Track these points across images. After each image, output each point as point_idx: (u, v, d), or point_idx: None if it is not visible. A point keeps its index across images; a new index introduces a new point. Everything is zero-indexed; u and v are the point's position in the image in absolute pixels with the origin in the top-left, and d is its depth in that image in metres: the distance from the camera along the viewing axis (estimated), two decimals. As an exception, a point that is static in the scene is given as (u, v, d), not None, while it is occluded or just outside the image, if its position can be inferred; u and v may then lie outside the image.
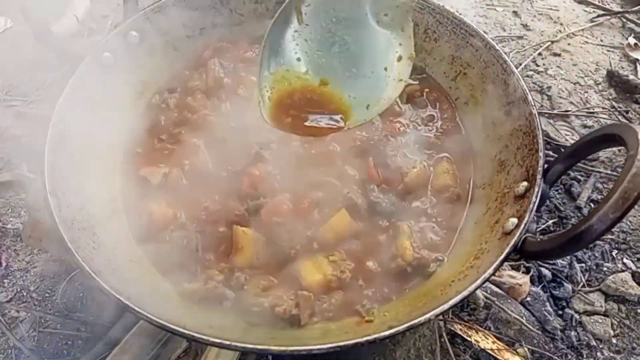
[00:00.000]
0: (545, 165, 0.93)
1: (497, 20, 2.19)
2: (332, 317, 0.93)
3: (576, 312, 1.32)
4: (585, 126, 1.79)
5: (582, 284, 1.37)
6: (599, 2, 2.29)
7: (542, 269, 1.38)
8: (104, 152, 1.10)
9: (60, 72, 1.76)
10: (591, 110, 1.84)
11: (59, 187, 0.92)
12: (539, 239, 0.85)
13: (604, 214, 0.68)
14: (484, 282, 0.81)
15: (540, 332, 1.27)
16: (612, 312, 1.33)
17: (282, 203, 1.02)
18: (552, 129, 1.76)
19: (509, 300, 1.30)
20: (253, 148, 1.10)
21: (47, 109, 1.00)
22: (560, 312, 1.32)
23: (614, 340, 1.29)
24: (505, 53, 1.15)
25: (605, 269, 1.41)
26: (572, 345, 1.26)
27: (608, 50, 2.07)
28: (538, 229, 1.47)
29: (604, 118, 1.81)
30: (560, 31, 2.14)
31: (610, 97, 1.88)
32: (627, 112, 1.83)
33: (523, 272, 1.37)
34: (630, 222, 1.52)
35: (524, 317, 1.27)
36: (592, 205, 1.53)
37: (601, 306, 1.33)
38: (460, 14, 1.23)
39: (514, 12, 2.24)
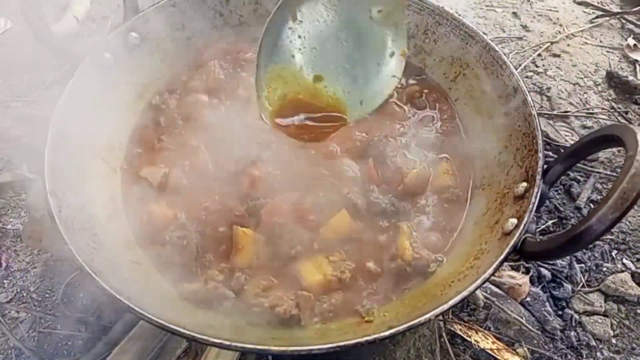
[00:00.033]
0: (545, 166, 0.93)
1: (496, 21, 2.19)
2: (332, 317, 0.93)
3: (576, 312, 1.32)
4: (584, 127, 1.79)
5: (581, 284, 1.38)
6: (598, 3, 2.30)
7: (542, 269, 1.38)
8: (104, 153, 1.10)
9: (60, 72, 1.76)
10: (591, 111, 1.84)
11: (59, 188, 0.92)
12: (538, 240, 0.85)
13: (603, 214, 0.68)
14: (483, 283, 0.81)
15: (540, 332, 1.27)
16: (611, 312, 1.34)
17: (282, 203, 1.02)
18: (552, 129, 1.77)
19: (509, 301, 1.30)
20: (253, 148, 1.10)
21: (47, 109, 1.00)
22: (560, 313, 1.32)
23: (613, 341, 1.29)
24: (505, 54, 1.15)
25: (604, 269, 1.41)
26: (572, 345, 1.26)
27: (607, 51, 2.07)
28: (538, 230, 1.47)
29: (603, 119, 1.81)
30: (559, 32, 2.14)
31: (610, 98, 1.89)
32: (626, 112, 1.83)
33: (523, 273, 1.37)
34: (629, 222, 1.53)
35: (524, 318, 1.27)
36: (592, 206, 1.53)
37: (601, 306, 1.34)
38: (459, 15, 1.23)
39: (514, 13, 2.24)
